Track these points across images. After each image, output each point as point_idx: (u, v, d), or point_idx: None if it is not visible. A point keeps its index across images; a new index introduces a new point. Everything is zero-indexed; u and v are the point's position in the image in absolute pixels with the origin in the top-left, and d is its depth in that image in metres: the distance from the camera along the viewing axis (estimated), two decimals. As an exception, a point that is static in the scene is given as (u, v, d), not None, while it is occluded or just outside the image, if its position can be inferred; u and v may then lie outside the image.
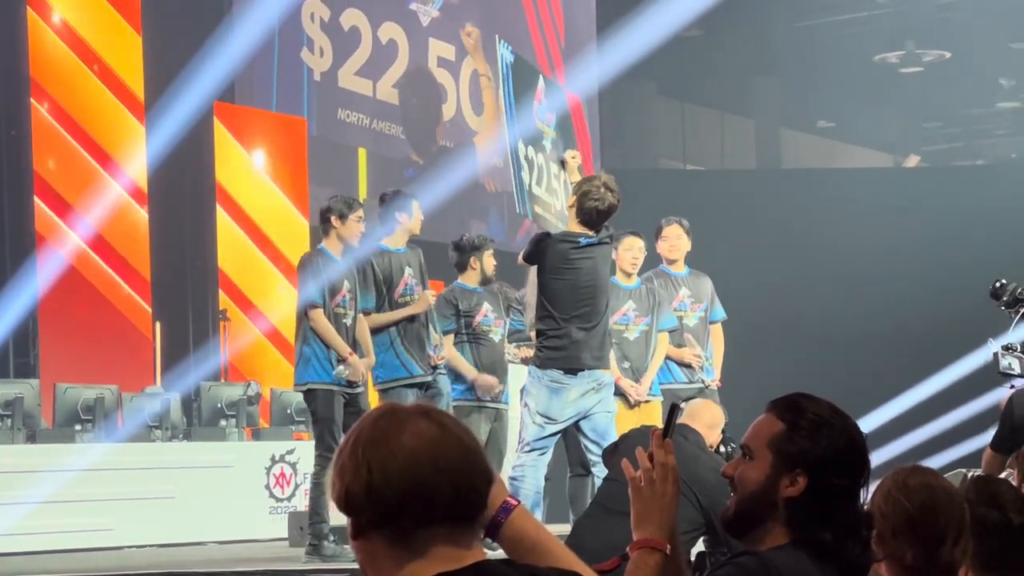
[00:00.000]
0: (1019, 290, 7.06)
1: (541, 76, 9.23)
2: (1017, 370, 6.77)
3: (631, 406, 9.24)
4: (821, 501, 2.72)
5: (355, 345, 8.77)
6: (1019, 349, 6.85)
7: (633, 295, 9.64)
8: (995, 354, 6.90)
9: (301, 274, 8.75)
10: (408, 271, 8.99)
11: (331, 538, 8.45)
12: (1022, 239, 16.09)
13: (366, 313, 8.89)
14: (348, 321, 8.73)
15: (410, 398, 8.68)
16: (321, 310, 8.58)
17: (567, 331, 7.95)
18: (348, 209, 8.80)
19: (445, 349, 9.12)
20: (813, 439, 2.74)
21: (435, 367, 8.97)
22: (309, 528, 8.61)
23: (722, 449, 6.82)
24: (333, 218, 8.73)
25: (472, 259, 9.56)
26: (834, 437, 2.74)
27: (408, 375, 8.88)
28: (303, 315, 8.69)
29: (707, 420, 6.68)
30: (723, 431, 6.83)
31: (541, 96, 8.94)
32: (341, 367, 8.55)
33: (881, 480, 3.16)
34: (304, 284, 8.68)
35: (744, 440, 2.82)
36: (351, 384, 8.62)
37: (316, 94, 14.18)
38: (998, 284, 7.20)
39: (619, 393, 8.89)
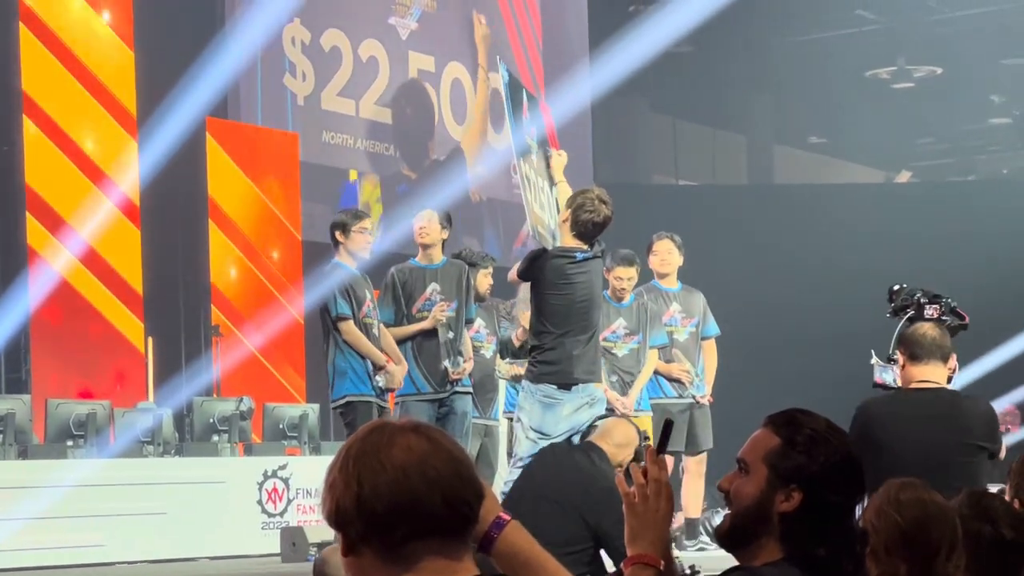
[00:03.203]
0: (914, 296, 6.79)
1: (524, 91, 9.26)
2: (897, 384, 6.28)
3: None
4: (816, 517, 2.71)
5: (384, 354, 8.84)
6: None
7: (624, 313, 9.66)
8: (872, 365, 6.66)
9: (322, 288, 8.81)
10: (433, 287, 9.00)
11: None
12: (1014, 255, 16.12)
13: (384, 325, 8.95)
14: (376, 331, 8.79)
15: (423, 413, 8.70)
16: (351, 322, 8.63)
17: (563, 346, 7.95)
18: (351, 221, 8.86)
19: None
20: (809, 455, 2.74)
21: (452, 383, 8.95)
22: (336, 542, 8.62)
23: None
24: (338, 232, 8.82)
25: None
26: (830, 453, 2.74)
27: (415, 391, 8.90)
28: (332, 329, 8.71)
29: (617, 439, 6.75)
30: (639, 449, 6.86)
31: (526, 110, 8.98)
32: (379, 376, 8.60)
33: (872, 495, 3.16)
34: (328, 298, 8.73)
35: (740, 454, 2.81)
36: (385, 393, 8.68)
37: (301, 118, 14.17)
38: (894, 288, 6.94)
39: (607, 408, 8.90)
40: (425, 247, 9.13)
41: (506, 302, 10.10)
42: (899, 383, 6.04)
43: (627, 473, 2.87)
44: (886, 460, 5.31)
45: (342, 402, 8.68)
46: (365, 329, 8.72)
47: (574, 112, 15.58)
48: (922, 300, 6.66)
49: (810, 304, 16.57)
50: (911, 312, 6.62)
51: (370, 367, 8.64)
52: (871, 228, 17.22)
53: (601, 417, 7.23)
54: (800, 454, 2.74)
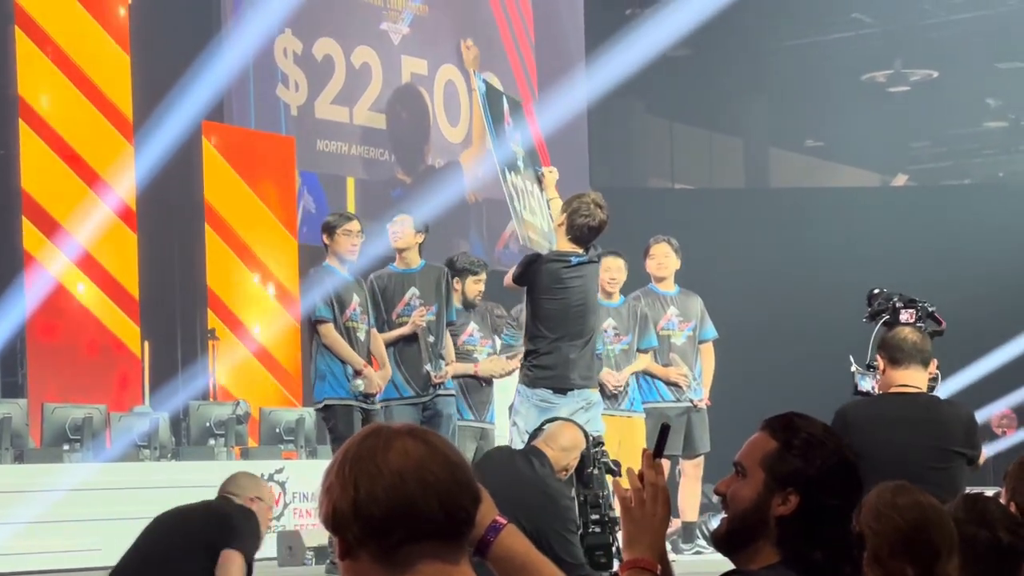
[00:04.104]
0: (890, 300, 6.77)
1: (504, 97, 9.26)
2: (877, 391, 6.27)
3: (608, 395, 9.27)
4: (812, 520, 2.71)
5: (370, 358, 8.83)
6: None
7: (613, 313, 9.68)
8: (852, 373, 6.54)
9: (307, 291, 8.85)
10: (412, 292, 9.02)
11: None
12: (1010, 258, 16.12)
13: None
14: (361, 335, 8.78)
15: (407, 417, 8.71)
16: (331, 324, 8.65)
17: (559, 350, 7.95)
18: (337, 223, 8.89)
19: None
20: (806, 458, 2.74)
21: (435, 386, 8.96)
22: (331, 547, 8.66)
23: (594, 471, 6.88)
24: (325, 235, 8.88)
25: (455, 280, 9.59)
26: (827, 457, 2.74)
27: (398, 396, 8.91)
28: (313, 331, 8.74)
29: (562, 443, 6.75)
30: (587, 453, 6.86)
31: (508, 117, 8.97)
32: (357, 380, 8.59)
33: (864, 499, 3.15)
34: (311, 300, 8.77)
35: (737, 458, 2.81)
36: (367, 397, 8.66)
37: (295, 128, 14.16)
38: (874, 291, 6.92)
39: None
40: (400, 251, 9.17)
41: (504, 308, 10.09)
42: (877, 390, 6.01)
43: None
44: (864, 465, 5.29)
45: (322, 405, 8.70)
46: (349, 333, 8.72)
47: (570, 115, 15.59)
48: (898, 304, 6.63)
49: (807, 307, 16.56)
50: (887, 317, 6.60)
51: (349, 371, 8.65)
52: (867, 231, 17.22)
53: (550, 420, 7.22)
54: (797, 458, 2.74)
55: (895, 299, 6.68)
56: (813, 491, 2.71)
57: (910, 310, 6.61)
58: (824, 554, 2.69)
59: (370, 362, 8.88)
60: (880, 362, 5.70)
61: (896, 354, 5.62)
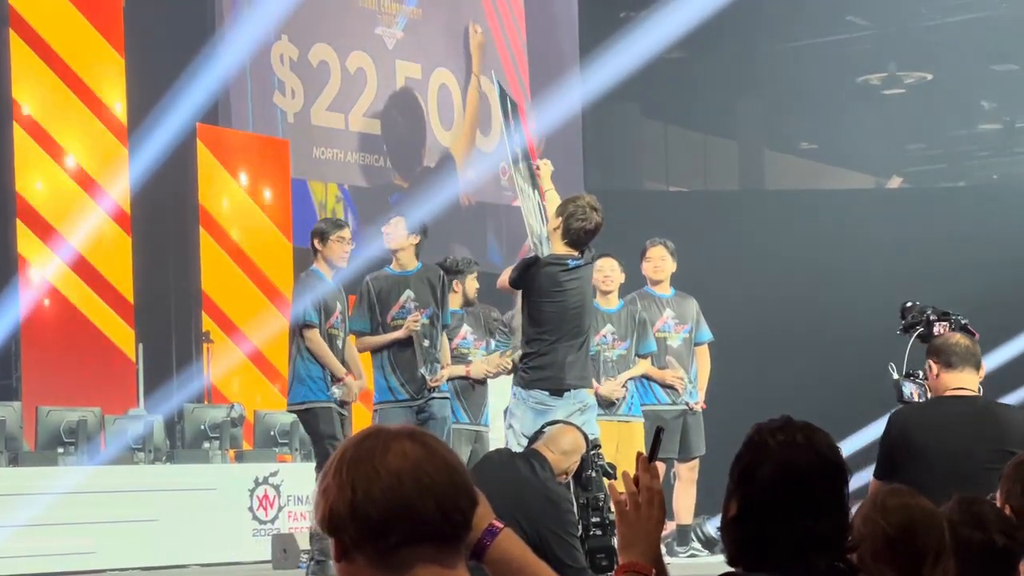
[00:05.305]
0: (924, 313, 6.85)
1: (509, 99, 9.28)
2: (917, 399, 6.50)
3: (606, 406, 9.27)
4: (760, 519, 2.68)
5: (346, 366, 8.85)
6: (920, 376, 6.49)
7: (612, 318, 9.68)
8: (896, 381, 6.65)
9: (295, 294, 8.85)
10: (408, 294, 9.00)
11: None
12: (1004, 261, 16.12)
13: (359, 335, 8.95)
14: (340, 343, 8.81)
15: (400, 418, 8.71)
16: (316, 330, 8.65)
17: (555, 352, 7.95)
18: (330, 229, 8.89)
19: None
20: (744, 457, 2.73)
21: (430, 390, 8.95)
22: (316, 545, 8.66)
23: (592, 474, 6.89)
24: (316, 240, 8.86)
25: (454, 282, 9.57)
26: (767, 456, 2.70)
27: (393, 399, 8.91)
28: (297, 334, 8.73)
29: (563, 446, 6.76)
30: (585, 456, 6.87)
31: (511, 117, 9.00)
32: (335, 388, 8.60)
33: (861, 503, 3.15)
34: (298, 304, 8.76)
35: None
36: (342, 405, 8.69)
37: (291, 135, 14.15)
38: (907, 304, 6.96)
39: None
40: (395, 252, 9.17)
41: (501, 312, 10.07)
42: (916, 397, 6.12)
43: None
44: (921, 468, 5.35)
45: (303, 407, 8.71)
46: (329, 340, 8.76)
47: (565, 118, 15.59)
48: (931, 317, 6.73)
49: (802, 310, 16.57)
50: (921, 329, 6.71)
51: (328, 377, 8.66)
52: (862, 234, 17.22)
53: (551, 423, 7.22)
54: (741, 458, 2.74)
55: (928, 312, 6.78)
56: (747, 489, 2.70)
57: (943, 323, 6.72)
58: (780, 553, 2.65)
59: (347, 369, 8.93)
60: (933, 367, 5.81)
61: (951, 358, 5.74)
